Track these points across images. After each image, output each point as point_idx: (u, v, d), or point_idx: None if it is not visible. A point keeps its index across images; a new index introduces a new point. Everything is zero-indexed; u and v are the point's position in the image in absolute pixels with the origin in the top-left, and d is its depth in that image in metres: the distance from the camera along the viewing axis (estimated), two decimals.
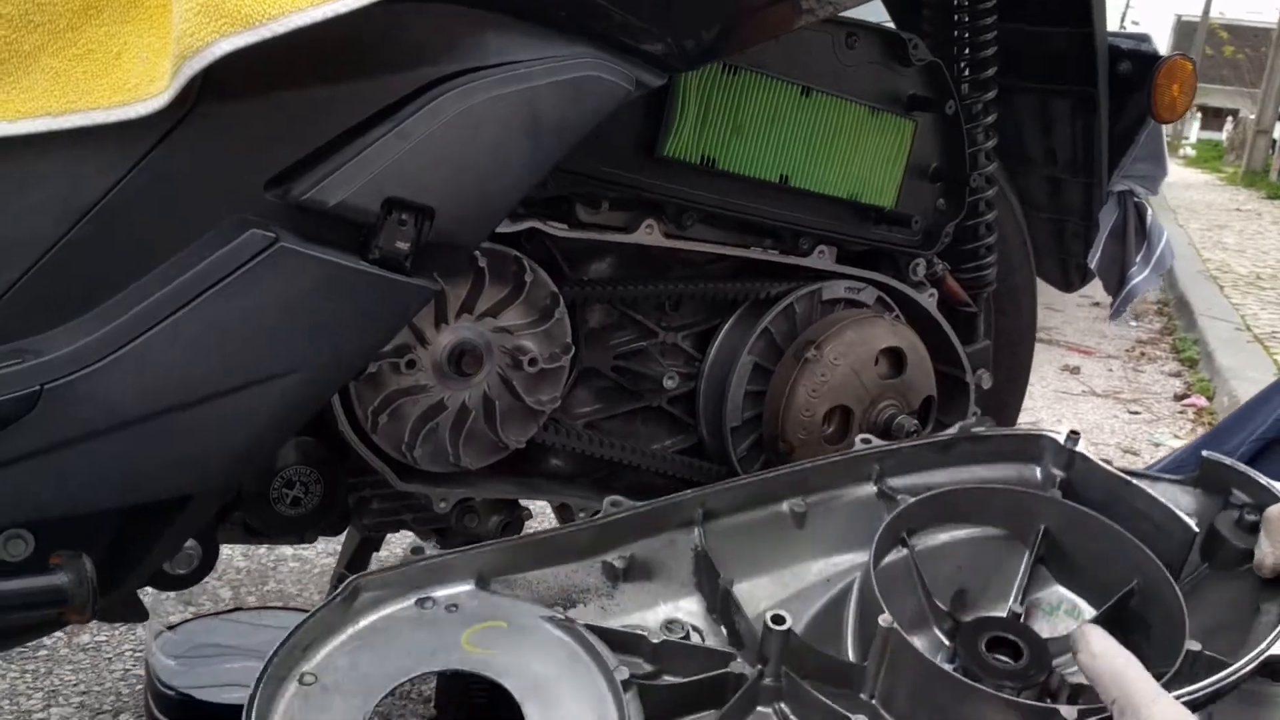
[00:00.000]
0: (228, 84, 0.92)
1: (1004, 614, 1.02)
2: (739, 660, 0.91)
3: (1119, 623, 0.98)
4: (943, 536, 1.05)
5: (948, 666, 0.96)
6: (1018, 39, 1.59)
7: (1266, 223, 9.02)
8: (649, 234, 1.33)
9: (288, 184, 0.96)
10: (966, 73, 1.52)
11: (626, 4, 1.03)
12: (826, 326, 1.45)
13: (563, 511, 1.55)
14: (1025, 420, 2.31)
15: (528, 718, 0.82)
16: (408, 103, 0.97)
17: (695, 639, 0.98)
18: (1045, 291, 1.92)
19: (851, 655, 0.98)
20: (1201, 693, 0.83)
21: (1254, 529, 1.00)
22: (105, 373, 0.92)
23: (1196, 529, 1.01)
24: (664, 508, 1.03)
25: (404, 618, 0.90)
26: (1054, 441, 1.12)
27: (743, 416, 1.46)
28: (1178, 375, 4.41)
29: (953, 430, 1.14)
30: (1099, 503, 1.05)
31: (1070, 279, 1.87)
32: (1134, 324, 5.25)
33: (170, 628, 1.72)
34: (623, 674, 0.85)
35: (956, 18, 1.51)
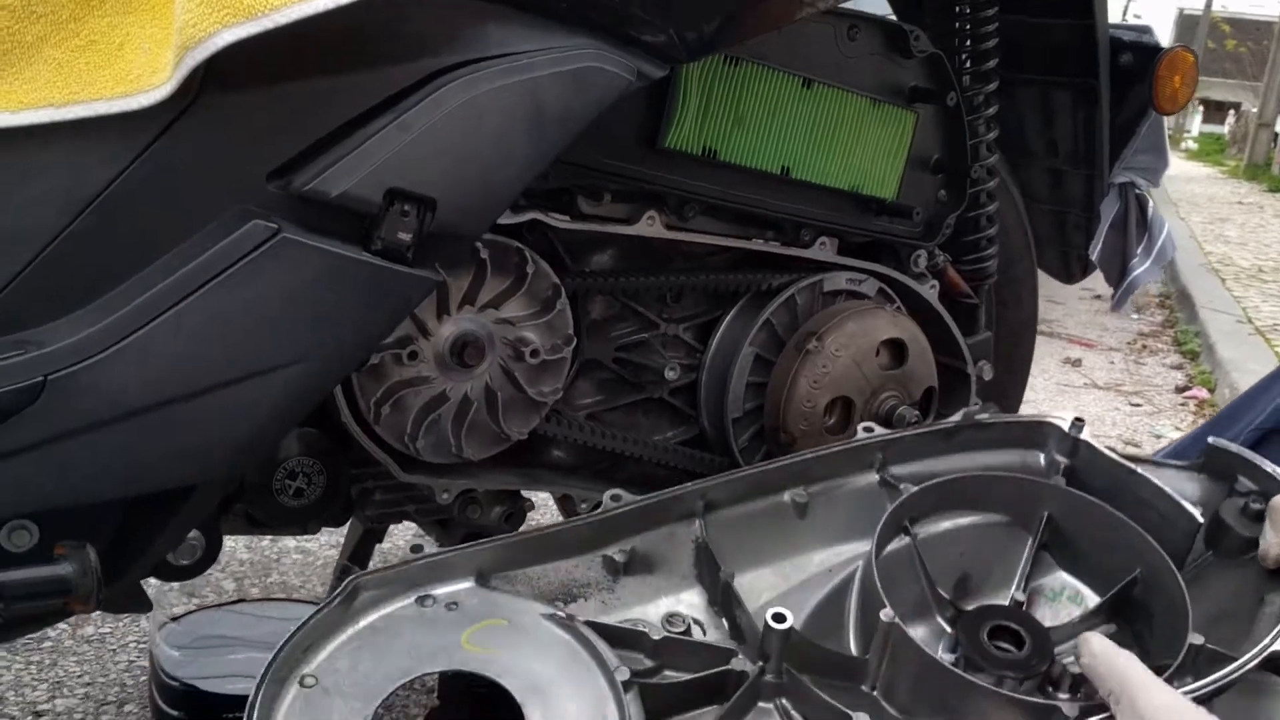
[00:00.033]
0: (230, 75, 0.92)
1: (1006, 601, 1.01)
2: (740, 657, 0.91)
3: (1122, 611, 0.98)
4: (945, 524, 1.05)
5: (949, 656, 0.96)
6: (1019, 31, 1.59)
7: (1268, 216, 9.01)
8: (650, 225, 1.33)
9: (290, 175, 0.96)
10: (968, 64, 1.52)
11: None
12: (828, 318, 1.45)
13: (565, 503, 1.56)
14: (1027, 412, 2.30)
15: (529, 718, 0.82)
16: (410, 94, 0.97)
17: (696, 632, 0.98)
18: (1046, 284, 1.92)
19: (853, 646, 0.98)
20: (1203, 690, 0.83)
21: (1259, 518, 0.99)
22: (108, 364, 0.92)
23: (1201, 519, 1.00)
24: (664, 501, 1.03)
25: (404, 617, 0.90)
26: (1058, 428, 1.11)
27: (744, 408, 1.46)
28: (1179, 368, 4.41)
29: (956, 417, 1.14)
30: (1103, 490, 1.05)
31: (1071, 271, 1.87)
32: (1135, 317, 5.25)
33: (174, 619, 1.73)
34: (623, 674, 0.85)
35: (958, 9, 1.51)
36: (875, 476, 1.10)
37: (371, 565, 1.77)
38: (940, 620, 1.00)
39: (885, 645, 0.90)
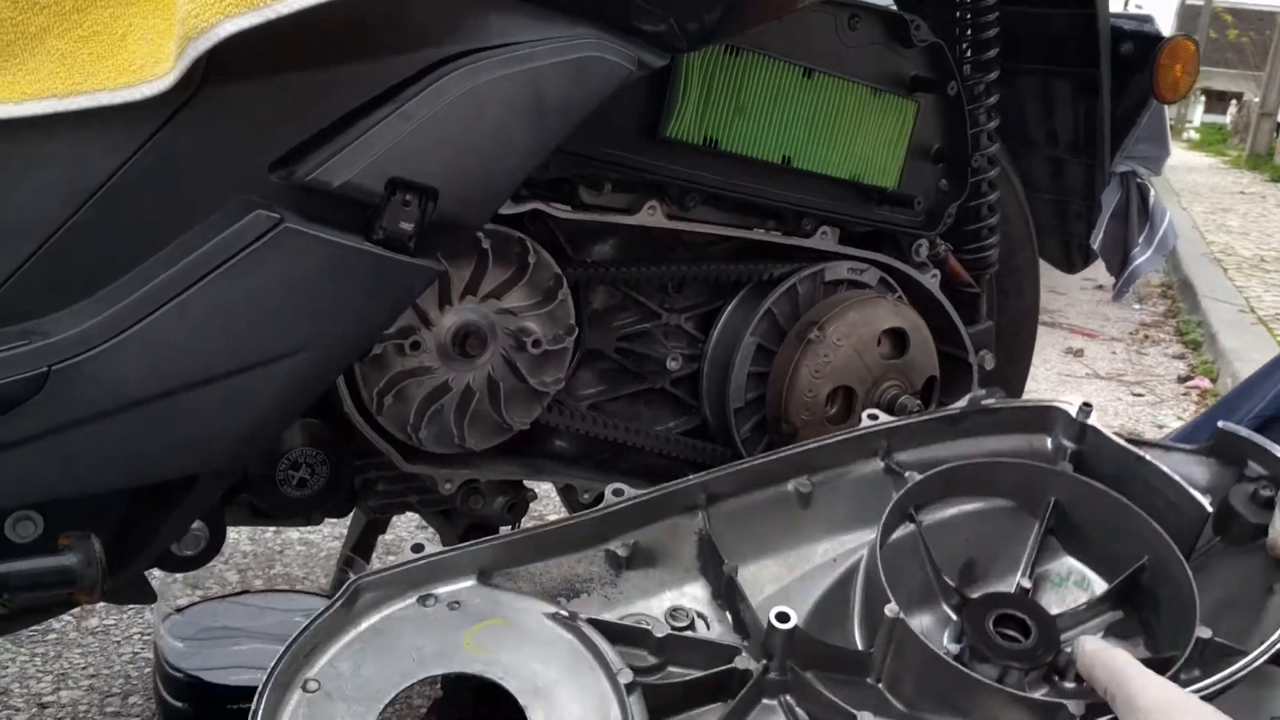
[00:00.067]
0: (232, 65, 0.92)
1: (1013, 587, 1.01)
2: (744, 655, 0.90)
3: (1129, 598, 0.98)
4: (951, 510, 1.04)
5: (954, 646, 0.96)
6: (1020, 20, 1.59)
7: (1270, 206, 9.00)
8: (652, 215, 1.33)
9: (292, 165, 0.96)
10: (968, 54, 1.52)
11: None
12: (829, 307, 1.45)
13: (567, 493, 1.56)
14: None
15: None
16: (411, 84, 0.97)
17: (700, 626, 0.98)
18: (1048, 274, 1.92)
19: (858, 636, 0.98)
20: (1209, 690, 0.82)
21: (1269, 504, 0.98)
22: (112, 354, 0.93)
23: (1209, 509, 0.98)
24: (666, 494, 1.02)
25: (406, 617, 0.89)
26: (1065, 413, 1.10)
27: (746, 398, 1.47)
28: (1181, 358, 4.41)
29: (962, 403, 1.12)
30: (1111, 476, 1.03)
31: (1073, 260, 1.87)
32: (1137, 307, 5.25)
33: (178, 611, 1.73)
34: (626, 676, 0.84)
35: None
36: (880, 464, 1.09)
37: (374, 558, 1.78)
38: (945, 608, 0.99)
39: (889, 640, 0.90)
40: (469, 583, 0.93)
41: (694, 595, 1.01)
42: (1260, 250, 6.54)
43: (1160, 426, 3.45)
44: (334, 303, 1.00)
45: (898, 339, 1.49)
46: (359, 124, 0.96)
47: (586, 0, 1.02)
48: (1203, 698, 0.80)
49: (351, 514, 1.72)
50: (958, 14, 1.51)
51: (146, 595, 1.22)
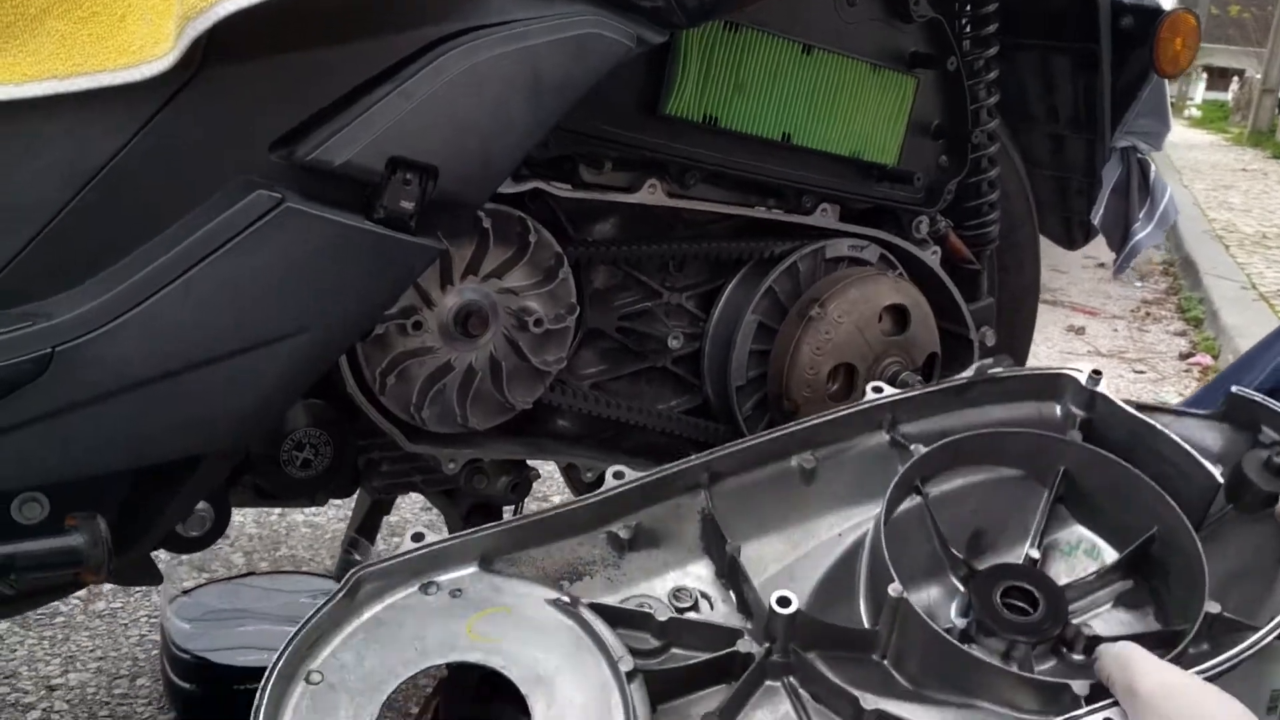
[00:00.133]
0: (232, 45, 0.92)
1: (1021, 558, 1.00)
2: (746, 638, 0.91)
3: (1140, 568, 0.98)
4: (958, 481, 1.04)
5: (961, 621, 0.96)
6: None
7: (1272, 182, 8.97)
8: (652, 194, 1.33)
9: (293, 145, 0.96)
10: (968, 29, 1.51)
11: None
12: (830, 285, 1.45)
13: (570, 472, 1.56)
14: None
15: (532, 708, 0.82)
16: (411, 62, 0.97)
17: (704, 606, 0.98)
18: (1050, 253, 1.91)
19: (864, 612, 0.98)
20: (1216, 670, 0.82)
21: None
22: (114, 335, 0.93)
23: (1220, 479, 0.98)
24: (668, 475, 1.01)
25: (408, 606, 0.90)
26: (1075, 381, 1.09)
27: (747, 375, 1.47)
28: (1183, 334, 4.41)
29: (969, 372, 1.11)
30: (1121, 444, 1.03)
31: (1073, 236, 1.86)
32: (1139, 284, 5.24)
33: (185, 593, 1.74)
34: (627, 664, 0.84)
35: None
36: (885, 437, 1.08)
37: (378, 539, 1.78)
38: (953, 579, 0.99)
39: (894, 619, 0.90)
40: (470, 570, 0.93)
41: (698, 575, 1.01)
42: (1262, 227, 6.52)
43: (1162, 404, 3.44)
44: (335, 282, 1.00)
45: (899, 316, 1.49)
46: (359, 103, 0.96)
47: None
48: (1210, 676, 0.81)
49: (356, 495, 1.73)
50: None
51: (153, 577, 1.23)
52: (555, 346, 1.33)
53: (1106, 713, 0.80)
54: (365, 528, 1.74)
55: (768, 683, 0.91)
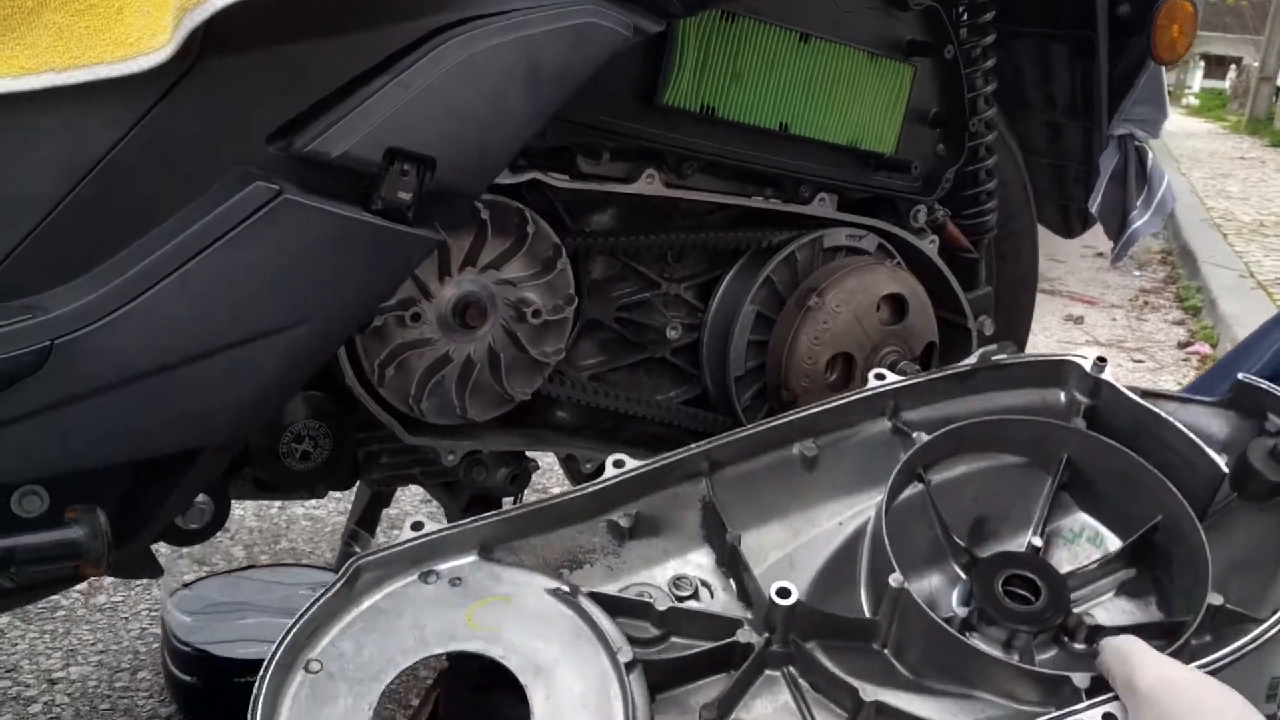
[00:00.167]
0: (230, 37, 0.92)
1: (1024, 546, 1.00)
2: (746, 628, 0.90)
3: (1143, 556, 0.97)
4: (961, 468, 1.03)
5: (963, 610, 0.95)
6: None
7: (1270, 170, 8.97)
8: (650, 184, 1.33)
9: (290, 136, 0.96)
10: (965, 17, 1.51)
11: None
12: (828, 274, 1.45)
13: (569, 463, 1.56)
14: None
15: (531, 698, 0.81)
16: (408, 52, 0.97)
17: (704, 595, 0.98)
18: (1048, 242, 1.91)
19: (865, 600, 0.97)
20: (1218, 665, 0.81)
21: None
22: (113, 328, 0.93)
23: (1225, 469, 0.97)
24: (669, 464, 1.01)
25: (408, 595, 0.89)
26: (1079, 367, 1.08)
27: (746, 366, 1.47)
28: (1181, 323, 4.41)
29: (973, 359, 1.10)
30: (1125, 432, 1.02)
31: (1071, 225, 1.86)
32: (1137, 273, 5.25)
33: (185, 586, 1.74)
34: (626, 656, 0.84)
35: None
36: (887, 424, 1.08)
37: (378, 531, 1.78)
38: (955, 567, 0.99)
39: (895, 609, 0.90)
40: (470, 558, 0.93)
41: (698, 563, 1.01)
42: (1260, 215, 6.52)
43: None
44: (334, 274, 1.00)
45: (897, 305, 1.49)
46: (357, 94, 0.96)
47: None
48: (1212, 669, 0.80)
49: (356, 487, 1.73)
50: None
51: (154, 570, 1.23)
52: (553, 337, 1.33)
53: (1106, 707, 0.79)
54: (365, 520, 1.75)
55: (767, 672, 0.90)
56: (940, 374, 1.10)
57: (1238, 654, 0.82)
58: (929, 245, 1.56)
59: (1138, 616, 0.97)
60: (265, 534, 2.21)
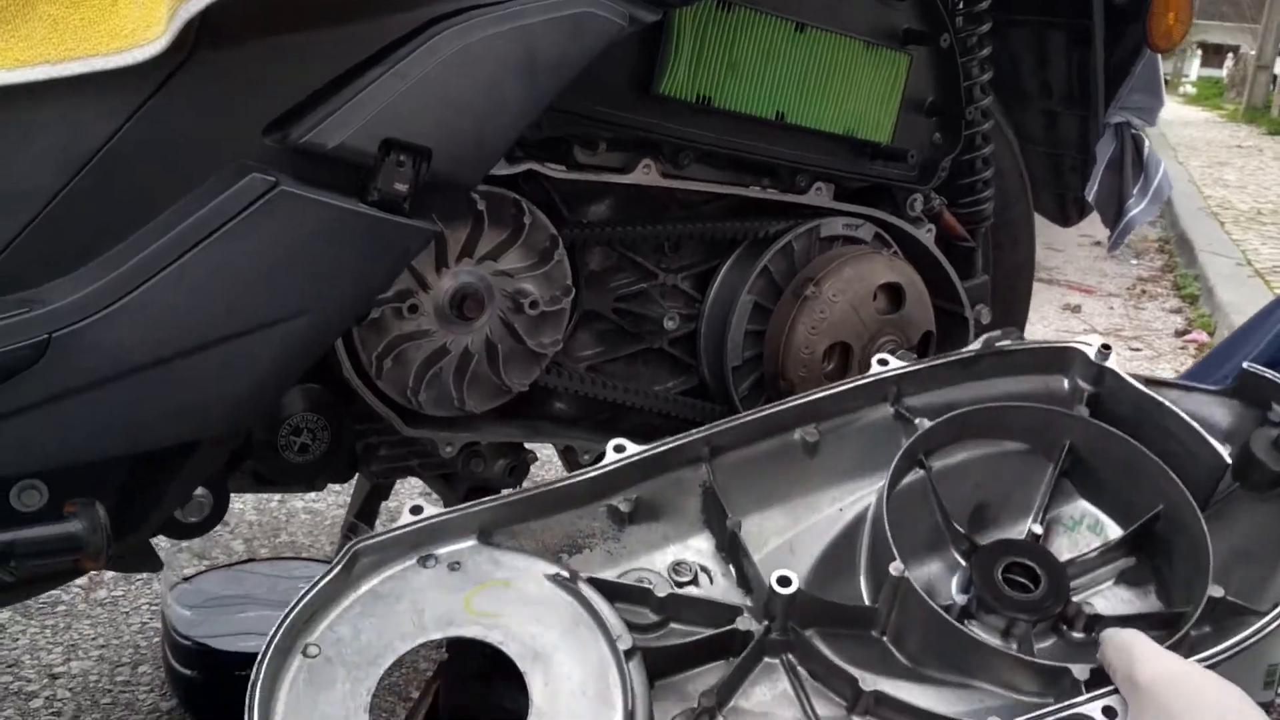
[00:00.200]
0: (225, 28, 0.92)
1: (1024, 533, 1.00)
2: (746, 615, 0.90)
3: (1143, 545, 0.97)
4: (962, 454, 1.03)
5: (962, 597, 0.95)
6: None
7: (1268, 159, 8.97)
8: (646, 174, 1.33)
9: (286, 128, 0.96)
10: (960, 5, 1.51)
11: None
12: (825, 264, 1.45)
13: (567, 454, 1.56)
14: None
15: (530, 685, 0.81)
16: (404, 43, 0.97)
17: (704, 580, 0.97)
18: (1045, 231, 1.91)
19: (864, 587, 0.97)
20: (1219, 659, 0.81)
21: None
22: (111, 320, 0.93)
23: (1229, 460, 0.96)
24: (670, 449, 1.00)
25: (407, 579, 0.89)
26: (1083, 354, 1.07)
27: (743, 356, 1.47)
28: (1179, 312, 4.41)
29: (976, 345, 1.09)
30: (1129, 420, 1.01)
31: (1068, 213, 1.87)
32: (1135, 262, 5.25)
33: (185, 580, 1.75)
34: (625, 643, 0.84)
35: None
36: (890, 410, 1.07)
37: (377, 524, 1.79)
38: (955, 554, 0.98)
39: (894, 597, 0.90)
40: (469, 543, 0.92)
41: (698, 548, 1.01)
42: (1257, 203, 6.52)
43: None
44: (330, 265, 1.00)
45: (893, 294, 1.49)
46: (352, 85, 0.96)
47: None
48: (1212, 663, 0.80)
49: (355, 480, 1.73)
50: None
51: (153, 564, 1.23)
52: (551, 329, 1.33)
53: (1106, 700, 0.79)
54: (364, 513, 1.75)
55: (766, 660, 0.90)
56: (944, 360, 1.09)
57: (1238, 648, 0.82)
58: (926, 234, 1.56)
59: (1137, 605, 0.97)
60: (265, 528, 2.22)
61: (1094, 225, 1.92)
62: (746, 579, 0.96)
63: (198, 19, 0.89)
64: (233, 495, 1.28)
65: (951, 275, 1.59)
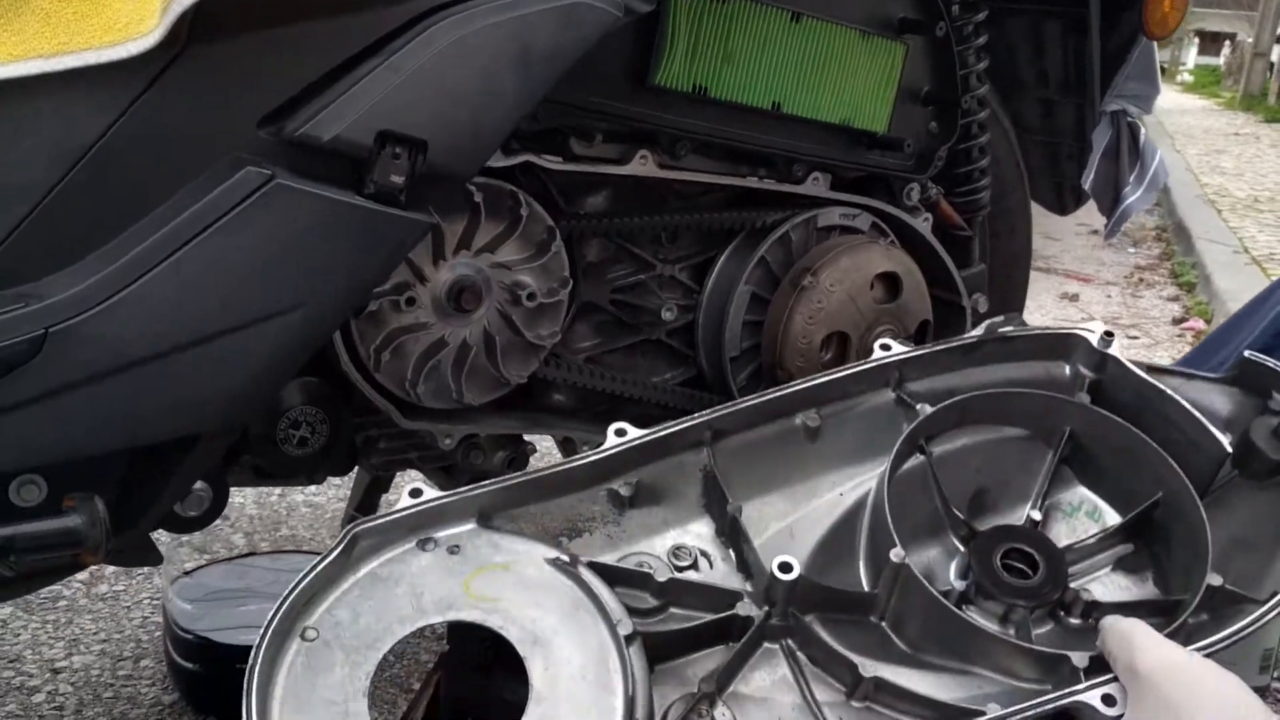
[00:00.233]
0: (219, 21, 0.92)
1: (1023, 519, 1.00)
2: (746, 600, 0.90)
3: (1142, 532, 0.97)
4: (962, 440, 1.03)
5: (960, 583, 0.95)
6: None
7: (1264, 146, 8.97)
8: (643, 165, 1.33)
9: (282, 121, 0.96)
10: None
11: None
12: (822, 253, 1.45)
13: (566, 445, 1.57)
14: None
15: (530, 670, 0.81)
16: (399, 34, 0.97)
17: (704, 564, 0.97)
18: (1043, 220, 1.91)
19: (864, 572, 0.98)
20: (1217, 648, 0.82)
21: None
22: (108, 315, 0.93)
23: (1229, 449, 0.96)
24: (671, 433, 1.00)
25: (406, 563, 0.88)
26: (1085, 341, 1.06)
27: (741, 346, 1.47)
28: (1176, 299, 4.41)
29: (979, 331, 1.09)
30: (1130, 407, 1.01)
31: (1065, 202, 1.86)
32: (1132, 250, 5.24)
33: (186, 574, 1.75)
34: (625, 628, 0.84)
35: None
36: (891, 395, 1.07)
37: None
38: (954, 539, 0.99)
39: (894, 583, 0.90)
40: (469, 526, 0.92)
41: (698, 533, 1.00)
42: (1254, 191, 6.52)
43: None
44: (327, 258, 1.00)
45: (891, 283, 1.49)
46: (347, 77, 0.96)
47: None
48: (1210, 651, 0.81)
49: (355, 474, 1.73)
50: None
51: (154, 558, 1.23)
52: (549, 320, 1.33)
53: (1105, 688, 0.80)
54: (364, 506, 1.75)
55: (766, 645, 0.91)
56: (945, 346, 1.09)
57: (1237, 637, 0.82)
58: (923, 223, 1.56)
59: (1134, 592, 0.97)
60: (265, 521, 2.22)
61: (1091, 214, 1.92)
62: (746, 564, 0.96)
63: (191, 12, 0.88)
64: (233, 489, 1.28)
65: (948, 264, 1.59)
